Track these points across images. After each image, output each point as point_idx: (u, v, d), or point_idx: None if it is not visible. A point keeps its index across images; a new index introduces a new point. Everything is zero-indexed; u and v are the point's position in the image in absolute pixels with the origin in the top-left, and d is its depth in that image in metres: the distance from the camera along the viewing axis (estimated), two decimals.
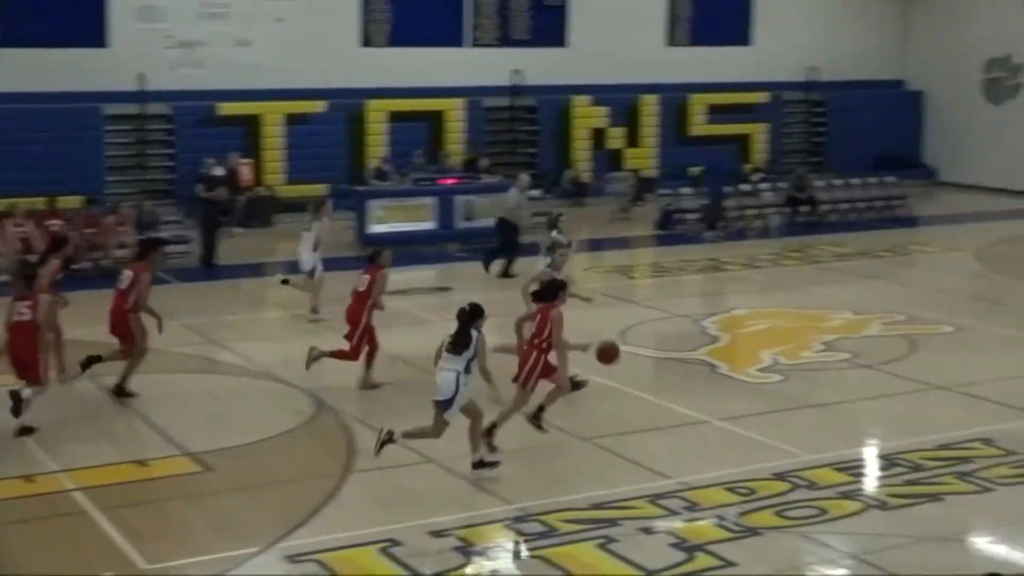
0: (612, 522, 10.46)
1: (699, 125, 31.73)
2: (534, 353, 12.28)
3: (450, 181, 25.34)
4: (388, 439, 11.71)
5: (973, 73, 33.47)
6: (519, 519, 10.55)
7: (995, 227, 27.33)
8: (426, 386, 14.59)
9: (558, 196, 28.87)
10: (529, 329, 12.83)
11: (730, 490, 11.23)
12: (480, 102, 29.50)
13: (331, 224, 19.26)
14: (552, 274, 14.15)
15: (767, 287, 21.11)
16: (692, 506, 10.88)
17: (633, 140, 31.05)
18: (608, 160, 30.46)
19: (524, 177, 22.88)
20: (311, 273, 18.16)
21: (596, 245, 24.48)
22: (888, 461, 12.19)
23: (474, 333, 11.36)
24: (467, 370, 11.32)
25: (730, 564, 9.66)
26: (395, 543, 9.95)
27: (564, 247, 15.33)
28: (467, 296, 16.52)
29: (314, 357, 14.63)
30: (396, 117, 28.47)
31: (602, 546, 9.99)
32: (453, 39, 29.31)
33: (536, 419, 12.47)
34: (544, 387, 12.41)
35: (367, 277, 14.61)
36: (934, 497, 11.19)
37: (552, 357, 12.39)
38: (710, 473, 11.65)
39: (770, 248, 24.61)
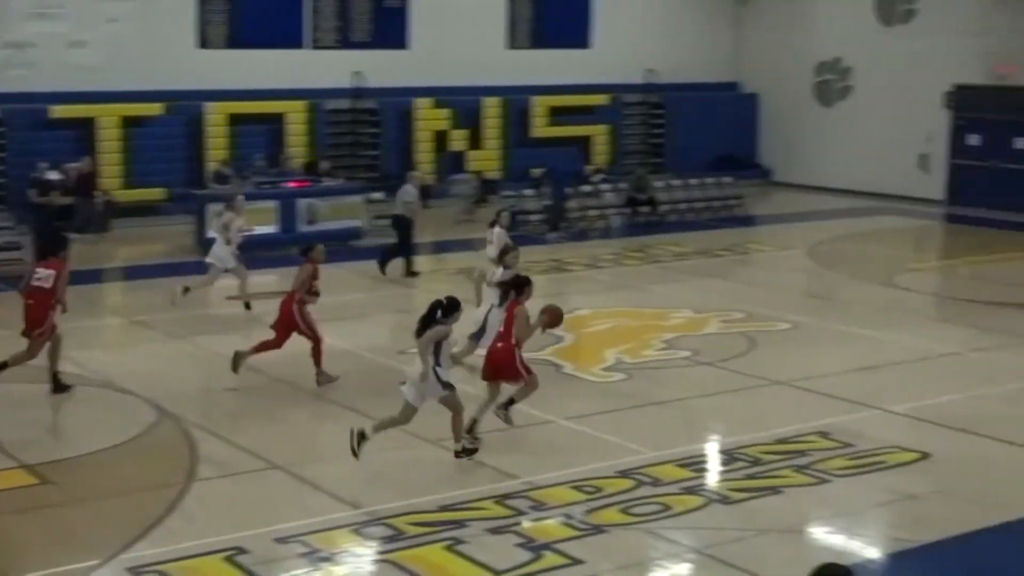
0: (460, 523, 10.47)
1: (541, 127, 31.99)
2: (511, 351, 12.56)
3: (292, 184, 25.09)
4: (361, 437, 11.71)
5: (805, 76, 34.41)
6: (366, 523, 10.49)
7: (827, 226, 28.12)
8: (274, 391, 14.54)
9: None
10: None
11: (576, 488, 11.32)
12: (321, 104, 29.28)
13: (242, 219, 19.35)
14: (509, 275, 14.53)
15: (609, 287, 21.37)
16: (539, 505, 10.94)
17: (476, 142, 31.16)
18: (451, 162, 30.52)
19: (418, 172, 23.02)
20: (226, 269, 18.54)
21: (440, 247, 24.51)
22: (729, 456, 12.42)
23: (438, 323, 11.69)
24: (438, 363, 11.62)
25: (577, 562, 9.75)
26: (241, 551, 9.81)
27: (514, 249, 15.64)
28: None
29: (240, 359, 14.63)
30: (236, 120, 28.10)
31: (450, 548, 9.99)
32: (293, 41, 29.01)
33: (506, 411, 12.68)
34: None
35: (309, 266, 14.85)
36: (774, 490, 11.43)
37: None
38: (556, 472, 11.73)
39: (612, 248, 24.93)
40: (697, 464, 12.25)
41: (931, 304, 20.81)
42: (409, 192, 22.08)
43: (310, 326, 14.71)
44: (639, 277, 22.23)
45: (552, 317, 12.99)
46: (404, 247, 21.53)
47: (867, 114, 32.87)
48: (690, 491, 11.39)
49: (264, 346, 14.76)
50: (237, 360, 14.67)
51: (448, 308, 11.80)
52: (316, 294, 14.82)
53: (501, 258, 15.57)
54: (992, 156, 30.35)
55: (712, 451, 12.80)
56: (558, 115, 32.08)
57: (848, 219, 29.20)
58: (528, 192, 28.03)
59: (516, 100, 31.58)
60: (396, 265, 21.42)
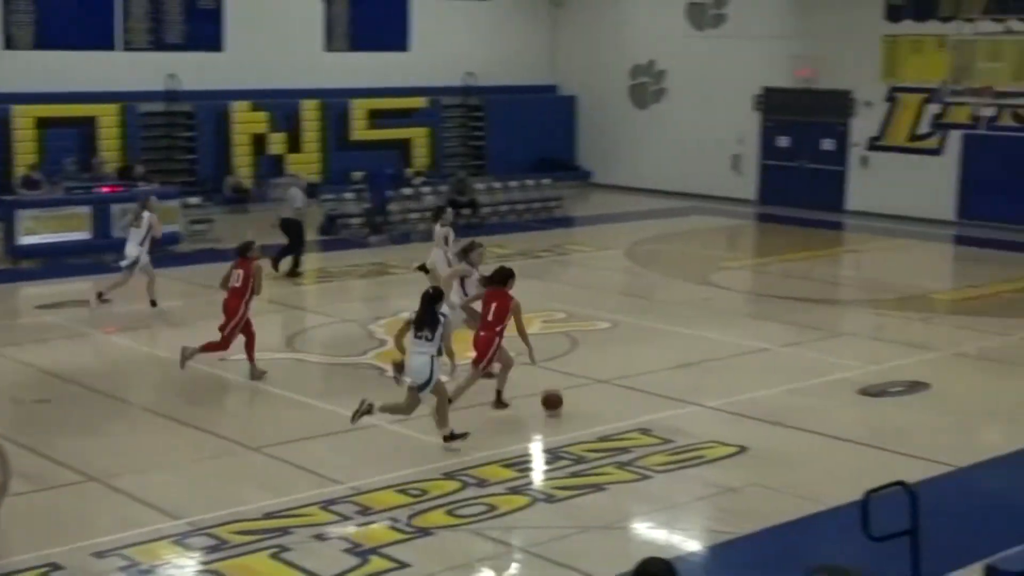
0: (285, 531, 10.36)
1: (360, 130, 31.84)
2: (496, 340, 13.79)
3: (105, 189, 24.46)
4: (367, 410, 12.53)
5: (620, 78, 35.00)
6: (188, 534, 10.30)
7: (644, 226, 28.64)
8: (89, 402, 14.15)
9: (219, 203, 28.36)
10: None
11: (402, 492, 11.31)
12: (134, 107, 28.62)
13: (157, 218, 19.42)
14: (471, 270, 15.27)
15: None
16: (364, 510, 10.89)
17: (295, 146, 30.85)
18: (270, 166, 30.16)
19: (302, 175, 23.97)
20: (132, 265, 18.71)
21: (260, 251, 24.11)
22: (553, 455, 12.57)
23: (441, 316, 12.59)
24: (439, 352, 12.50)
25: (404, 565, 9.73)
26: (56, 567, 9.53)
27: (480, 246, 15.80)
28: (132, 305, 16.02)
29: (188, 356, 14.83)
30: (44, 123, 27.28)
31: (275, 556, 9.88)
32: (103, 42, 28.29)
33: (500, 400, 14.07)
34: None
35: (240, 272, 15.12)
36: (597, 487, 11.60)
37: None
38: (381, 476, 11.70)
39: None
40: (522, 464, 12.36)
41: (744, 301, 21.36)
42: (296, 195, 22.28)
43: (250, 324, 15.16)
44: None
45: (547, 403, 14.03)
46: (295, 247, 21.90)
47: (681, 116, 33.61)
48: (515, 491, 11.48)
49: (216, 345, 15.03)
50: (184, 357, 14.86)
51: (436, 298, 12.75)
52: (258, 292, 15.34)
53: (466, 255, 15.60)
54: (800, 157, 31.36)
55: (537, 450, 12.94)
56: (377, 118, 31.98)
57: (664, 219, 29.79)
58: (348, 195, 27.86)
59: (334, 103, 31.37)
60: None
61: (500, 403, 14.13)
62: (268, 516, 10.69)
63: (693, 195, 32.37)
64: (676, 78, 33.90)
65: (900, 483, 7.81)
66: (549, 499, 11.34)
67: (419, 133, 32.87)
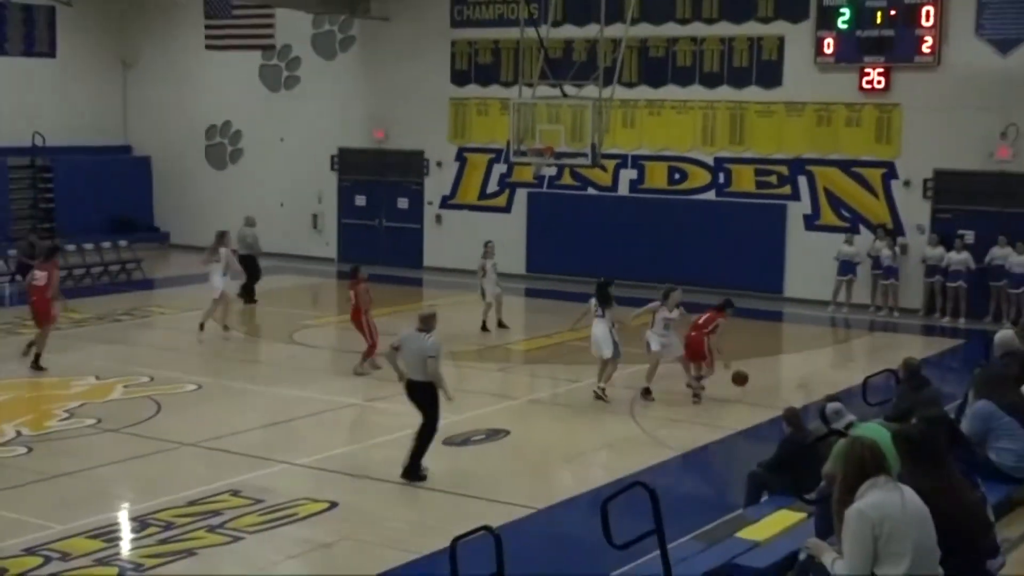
0: None
1: None
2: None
3: None
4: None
5: (196, 139, 34.74)
6: None
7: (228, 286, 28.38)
8: None
9: None
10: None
11: None
12: None
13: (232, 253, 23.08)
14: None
15: (3, 358, 20.34)
16: None
17: None
18: None
19: (250, 217, 26.76)
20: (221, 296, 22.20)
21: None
22: (141, 523, 12.32)
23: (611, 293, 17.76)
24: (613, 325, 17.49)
25: None
26: None
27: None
28: None
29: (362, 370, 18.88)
30: None
31: None
32: None
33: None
34: None
35: (352, 292, 19.38)
36: (189, 552, 11.49)
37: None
38: None
39: (4, 317, 23.75)
40: (109, 534, 12.05)
41: (329, 358, 21.63)
42: (251, 234, 25.90)
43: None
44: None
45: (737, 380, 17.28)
46: (253, 278, 25.44)
47: (260, 176, 33.71)
48: (103, 562, 11.21)
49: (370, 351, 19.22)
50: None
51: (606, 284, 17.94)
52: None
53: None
54: (378, 215, 32.12)
55: (124, 519, 12.64)
56: None
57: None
58: None
59: None
60: None
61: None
62: None
63: (275, 254, 32.43)
64: (252, 139, 34.03)
65: (486, 528, 8.20)
66: (138, 568, 11.15)
67: None
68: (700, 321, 17.86)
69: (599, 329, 17.72)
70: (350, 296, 19.65)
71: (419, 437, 13.76)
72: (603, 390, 17.65)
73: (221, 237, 23.21)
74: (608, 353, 17.57)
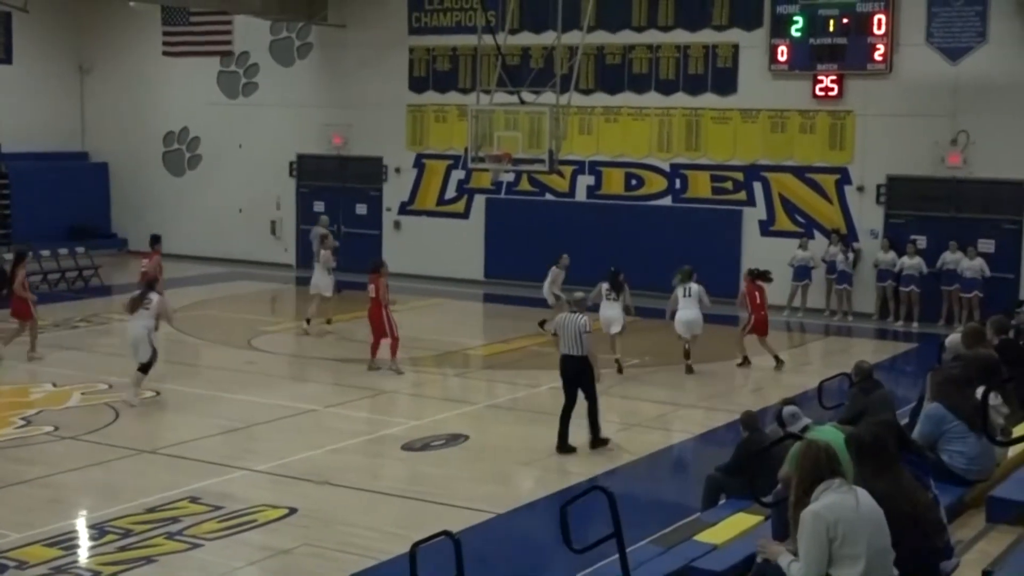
0: None
1: None
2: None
3: None
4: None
5: (154, 145, 34.63)
6: None
7: (186, 292, 28.27)
8: None
9: None
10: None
11: None
12: None
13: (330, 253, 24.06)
14: None
15: None
16: None
17: None
18: None
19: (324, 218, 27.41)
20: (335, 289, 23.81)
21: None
22: (99, 530, 12.31)
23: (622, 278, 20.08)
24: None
25: None
26: None
27: None
28: None
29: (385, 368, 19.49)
30: None
31: None
32: None
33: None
34: None
35: (373, 286, 19.74)
36: (148, 559, 11.49)
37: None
38: None
39: None
40: (67, 542, 12.03)
41: (288, 364, 21.62)
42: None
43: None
44: None
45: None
46: None
47: (218, 183, 33.65)
48: (60, 570, 11.20)
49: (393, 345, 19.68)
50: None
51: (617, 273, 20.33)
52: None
53: None
54: (336, 221, 32.09)
55: (81, 527, 12.62)
56: None
57: (206, 285, 29.64)
58: None
59: None
60: None
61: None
62: None
63: (234, 260, 32.44)
64: (210, 145, 33.95)
65: (446, 533, 8.26)
66: None
67: None
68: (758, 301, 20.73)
69: (613, 311, 20.25)
70: (370, 290, 19.90)
71: (590, 413, 15.53)
72: (619, 360, 19.93)
73: (323, 240, 24.54)
74: (616, 329, 20.12)
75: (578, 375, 15.42)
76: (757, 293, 20.81)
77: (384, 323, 19.79)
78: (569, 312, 15.91)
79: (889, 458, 7.64)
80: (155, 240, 24.06)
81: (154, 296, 18.04)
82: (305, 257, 32.11)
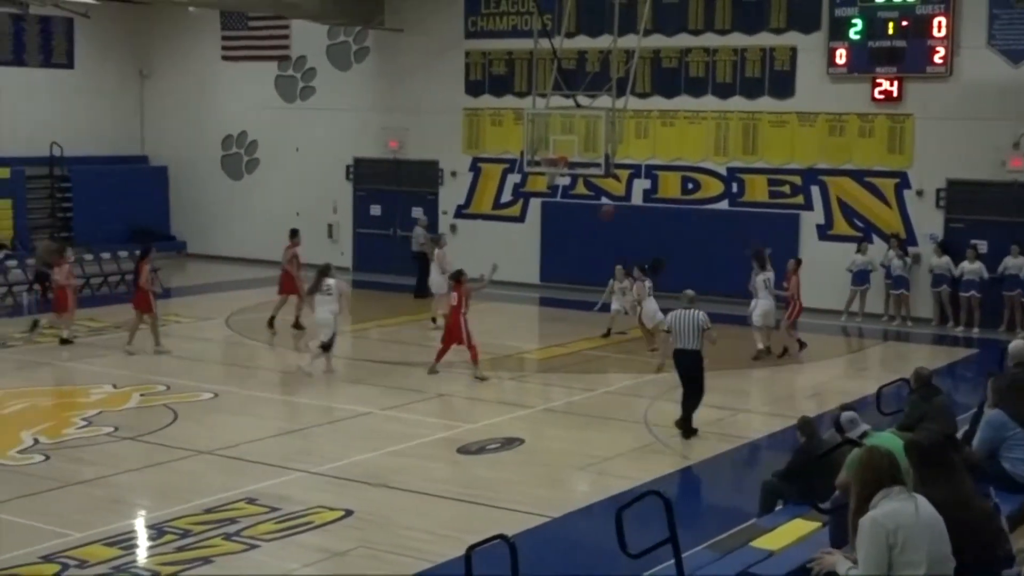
0: None
1: None
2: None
3: None
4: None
5: (212, 149, 34.90)
6: None
7: (242, 295, 28.56)
8: None
9: None
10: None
11: None
12: None
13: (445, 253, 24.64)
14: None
15: (22, 366, 20.57)
16: None
17: None
18: None
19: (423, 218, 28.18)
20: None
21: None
22: (158, 531, 12.41)
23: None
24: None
25: None
26: None
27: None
28: None
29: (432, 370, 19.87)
30: None
31: None
32: None
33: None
34: None
35: (455, 294, 19.95)
36: (205, 560, 11.57)
37: None
38: None
39: (22, 326, 23.91)
40: (126, 542, 12.14)
41: (345, 367, 21.68)
42: (421, 233, 27.54)
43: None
44: (54, 354, 21.56)
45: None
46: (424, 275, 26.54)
47: (275, 186, 33.87)
48: (120, 569, 11.30)
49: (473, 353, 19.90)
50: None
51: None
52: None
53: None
54: (392, 224, 32.24)
55: (140, 527, 12.73)
56: None
57: (263, 288, 29.70)
58: None
59: None
60: None
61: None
62: None
63: None
64: (268, 149, 34.18)
65: (501, 536, 8.26)
66: None
67: (1, 205, 31.44)
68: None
69: (652, 304, 21.48)
70: (452, 297, 20.23)
71: (693, 399, 16.36)
72: (654, 350, 20.96)
73: (437, 242, 25.34)
74: (652, 322, 21.32)
75: (693, 367, 16.43)
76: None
77: (462, 331, 19.90)
78: (683, 309, 16.69)
79: (950, 465, 7.56)
80: (293, 233, 25.05)
81: (331, 281, 19.66)
82: (361, 260, 32.32)
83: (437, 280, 24.43)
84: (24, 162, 32.12)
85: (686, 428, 16.31)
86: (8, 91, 32.09)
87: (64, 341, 22.01)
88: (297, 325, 23.65)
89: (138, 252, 23.34)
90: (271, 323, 23.92)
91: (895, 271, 25.57)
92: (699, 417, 17.53)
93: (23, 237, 31.41)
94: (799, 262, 22.66)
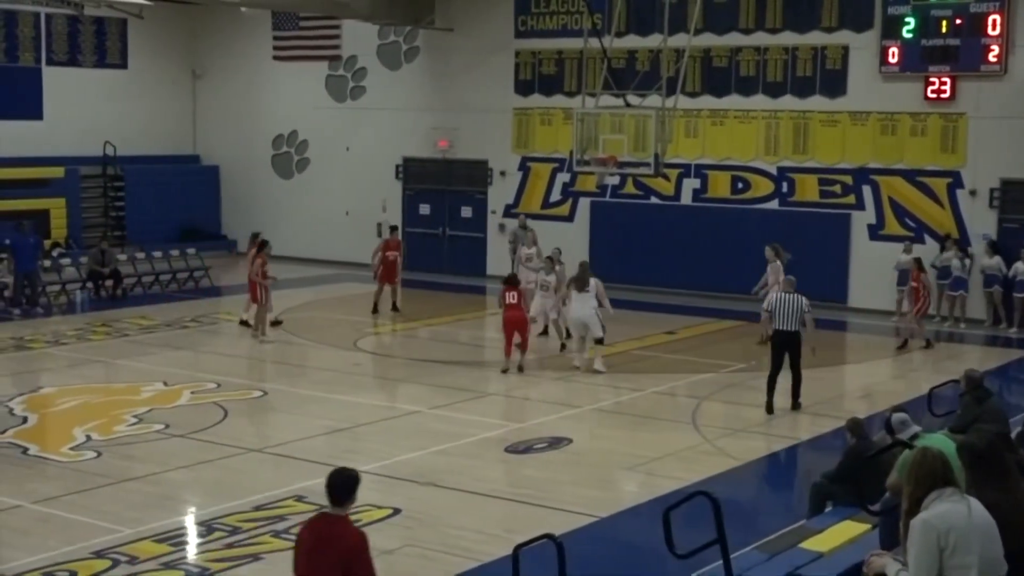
0: None
1: None
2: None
3: None
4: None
5: (263, 149, 35.11)
6: None
7: (292, 294, 28.63)
8: None
9: None
10: None
11: (47, 575, 10.99)
12: None
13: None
14: None
15: (75, 363, 20.77)
16: None
17: None
18: None
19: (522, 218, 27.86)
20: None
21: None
22: (207, 527, 12.49)
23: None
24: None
25: None
26: None
27: None
28: None
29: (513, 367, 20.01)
30: None
31: None
32: None
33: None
34: None
35: (514, 293, 20.31)
36: (255, 557, 11.63)
37: None
38: (28, 558, 11.34)
39: (75, 324, 24.20)
40: (176, 538, 12.22)
41: (394, 366, 21.78)
42: (520, 234, 27.15)
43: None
44: (106, 352, 21.76)
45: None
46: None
47: (325, 185, 34.02)
48: (169, 566, 11.37)
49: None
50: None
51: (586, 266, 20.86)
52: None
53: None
54: (442, 224, 32.30)
55: (190, 523, 12.82)
56: (9, 188, 30.74)
57: (312, 287, 29.98)
58: None
59: None
60: None
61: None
62: None
63: (340, 262, 32.74)
64: (318, 148, 34.34)
65: (548, 536, 8.25)
66: (204, 572, 11.29)
67: (56, 203, 31.82)
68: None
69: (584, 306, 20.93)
70: (510, 296, 20.42)
71: (794, 382, 17.67)
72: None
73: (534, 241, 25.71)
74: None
75: (788, 345, 17.44)
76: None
77: (527, 328, 20.53)
78: (783, 292, 17.80)
79: (1003, 467, 7.46)
80: (263, 245, 24.30)
81: (593, 280, 20.49)
82: (410, 259, 32.38)
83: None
84: (78, 161, 32.48)
85: (795, 404, 17.78)
86: (63, 91, 32.43)
87: (244, 323, 23.62)
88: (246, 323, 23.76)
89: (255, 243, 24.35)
90: (243, 323, 24.01)
91: (954, 272, 25.26)
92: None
93: (76, 236, 31.75)
94: (919, 261, 23.44)
